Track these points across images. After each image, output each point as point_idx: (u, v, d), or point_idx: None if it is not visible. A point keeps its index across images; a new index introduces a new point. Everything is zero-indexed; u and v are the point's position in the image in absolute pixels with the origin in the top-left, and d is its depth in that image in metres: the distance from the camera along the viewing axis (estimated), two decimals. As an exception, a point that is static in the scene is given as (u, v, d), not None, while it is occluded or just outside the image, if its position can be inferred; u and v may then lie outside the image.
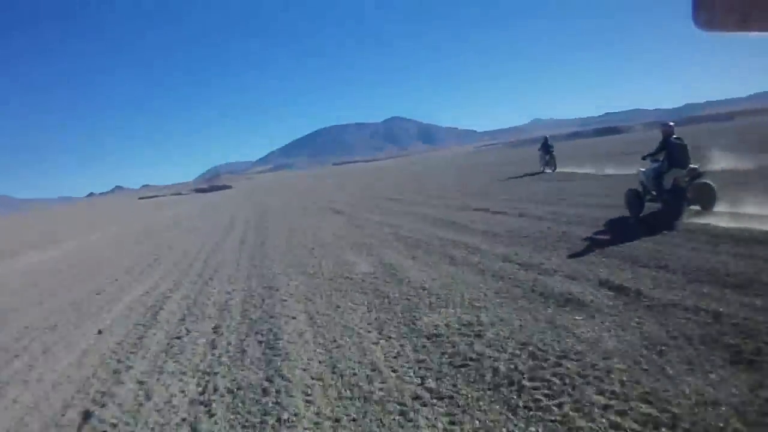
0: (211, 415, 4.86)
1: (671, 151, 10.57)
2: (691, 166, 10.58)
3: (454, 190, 25.55)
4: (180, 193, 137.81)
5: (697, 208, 10.53)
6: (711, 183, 10.53)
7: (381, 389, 4.87)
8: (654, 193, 11.01)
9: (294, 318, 7.55)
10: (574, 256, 8.83)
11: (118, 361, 6.92)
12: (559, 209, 13.86)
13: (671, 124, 11.08)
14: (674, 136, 10.69)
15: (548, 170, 27.04)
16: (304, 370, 5.59)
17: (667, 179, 10.47)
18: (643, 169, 11.55)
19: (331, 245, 13.67)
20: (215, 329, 7.58)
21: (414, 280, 8.71)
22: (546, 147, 27.84)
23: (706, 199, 10.40)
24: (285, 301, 8.61)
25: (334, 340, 6.37)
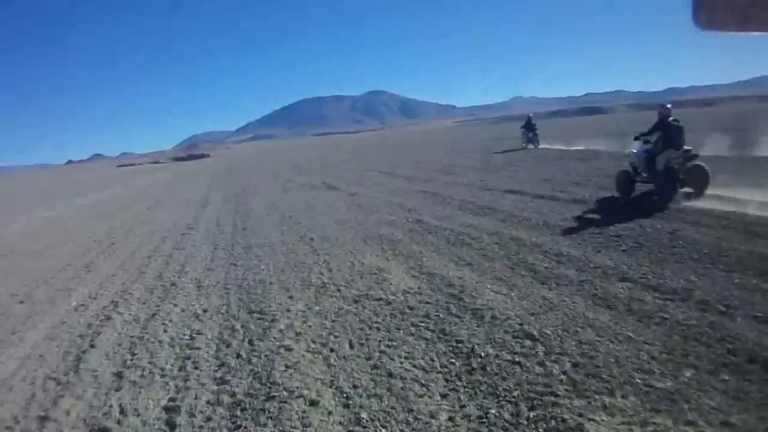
0: None
1: (667, 132, 10.38)
2: (685, 147, 10.39)
3: (460, 165, 22.27)
4: (158, 162, 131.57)
5: (689, 190, 10.27)
6: (704, 165, 10.25)
7: None
8: (645, 174, 10.80)
9: (313, 405, 4.09)
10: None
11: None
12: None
13: (668, 105, 10.74)
14: (671, 118, 10.49)
15: (530, 146, 27.79)
16: None
17: (660, 161, 10.30)
18: (635, 150, 11.33)
19: (339, 236, 10.36)
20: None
21: (500, 314, 5.48)
22: (529, 125, 28.53)
23: (699, 182, 10.16)
24: (288, 350, 5.21)
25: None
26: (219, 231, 12.80)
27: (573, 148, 24.66)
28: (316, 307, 6.35)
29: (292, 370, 4.68)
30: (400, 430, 3.60)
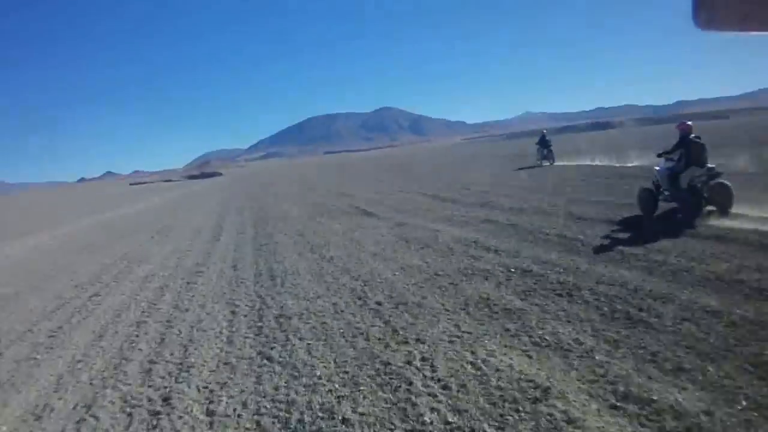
0: None
1: (689, 150, 10.20)
2: (708, 165, 10.14)
3: (505, 184, 19.04)
4: (170, 180, 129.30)
5: (712, 208, 9.95)
6: (728, 183, 9.91)
7: None
8: (668, 192, 10.58)
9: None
10: None
11: None
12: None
13: (689, 123, 10.59)
14: (692, 135, 10.27)
15: (546, 163, 27.27)
16: None
17: (683, 179, 10.16)
18: (658, 168, 11.07)
19: (417, 298, 6.93)
20: None
21: None
22: (544, 141, 27.96)
23: (723, 200, 9.82)
24: None
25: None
26: (237, 280, 9.39)
27: (599, 163, 23.94)
28: None
29: None
30: None
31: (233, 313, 7.42)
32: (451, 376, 4.59)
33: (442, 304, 6.58)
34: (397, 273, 8.41)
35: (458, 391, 4.31)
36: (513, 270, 7.76)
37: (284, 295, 7.92)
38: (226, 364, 5.55)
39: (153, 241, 16.33)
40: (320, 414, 4.22)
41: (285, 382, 4.90)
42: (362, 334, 5.91)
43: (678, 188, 10.14)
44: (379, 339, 5.69)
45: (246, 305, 7.68)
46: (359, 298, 7.30)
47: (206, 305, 8.01)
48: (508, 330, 5.49)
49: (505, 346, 5.09)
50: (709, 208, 9.86)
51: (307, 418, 4.17)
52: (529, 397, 4.09)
